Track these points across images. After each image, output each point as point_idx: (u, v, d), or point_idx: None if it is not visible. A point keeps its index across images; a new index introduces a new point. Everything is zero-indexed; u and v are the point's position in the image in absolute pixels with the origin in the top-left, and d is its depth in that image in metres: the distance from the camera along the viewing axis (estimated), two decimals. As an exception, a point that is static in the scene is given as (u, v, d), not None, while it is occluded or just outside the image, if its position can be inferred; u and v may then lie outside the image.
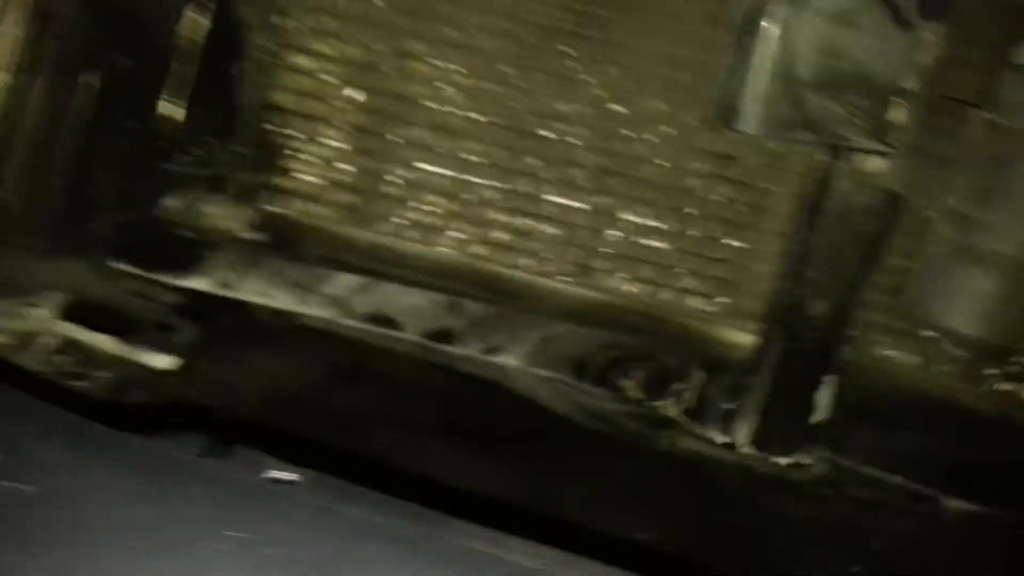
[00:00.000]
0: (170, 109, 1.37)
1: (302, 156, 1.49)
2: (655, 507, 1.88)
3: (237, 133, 1.45)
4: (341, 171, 1.50)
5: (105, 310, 1.64)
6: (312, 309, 1.48)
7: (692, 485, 1.97)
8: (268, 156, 1.48)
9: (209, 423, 1.14)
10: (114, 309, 1.65)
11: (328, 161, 1.49)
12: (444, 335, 1.48)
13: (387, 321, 1.49)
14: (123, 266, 1.50)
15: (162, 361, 1.59)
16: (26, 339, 1.51)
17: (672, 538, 1.80)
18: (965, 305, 1.31)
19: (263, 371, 2.01)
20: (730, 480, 1.98)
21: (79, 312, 1.62)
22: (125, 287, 1.67)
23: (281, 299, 1.48)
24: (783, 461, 1.44)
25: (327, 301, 1.47)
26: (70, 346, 1.54)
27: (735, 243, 1.44)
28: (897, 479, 1.47)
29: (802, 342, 1.39)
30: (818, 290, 1.36)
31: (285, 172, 1.51)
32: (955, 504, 1.51)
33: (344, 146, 1.49)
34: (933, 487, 1.43)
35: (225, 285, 1.48)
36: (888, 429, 1.49)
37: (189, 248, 1.47)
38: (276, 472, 0.87)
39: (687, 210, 1.45)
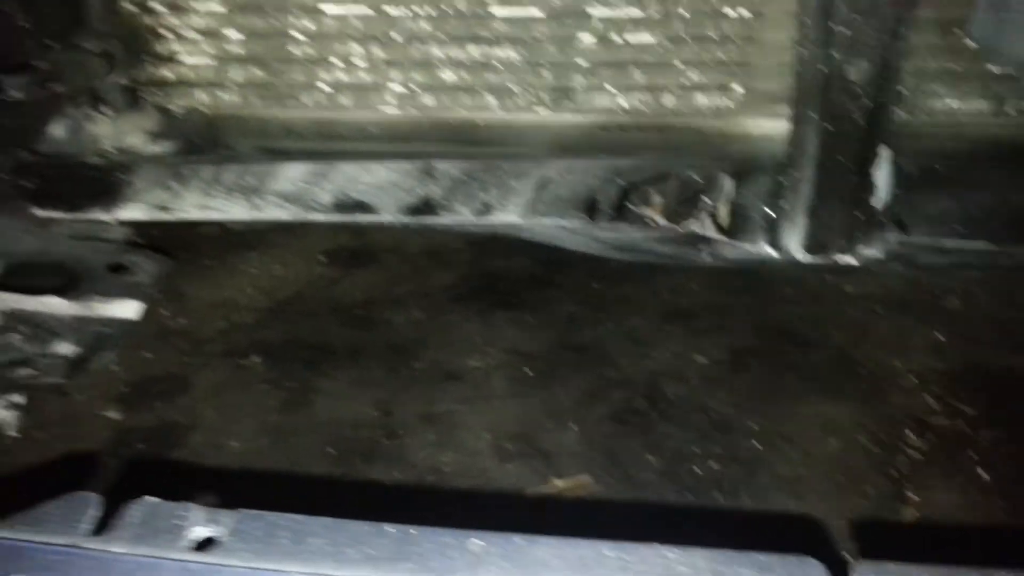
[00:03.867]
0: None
1: (183, 33, 1.20)
2: (703, 322, 1.71)
3: (90, 26, 1.16)
4: (233, 40, 1.20)
5: (46, 267, 1.46)
6: (268, 212, 1.25)
7: (743, 291, 1.78)
8: (140, 44, 1.20)
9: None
10: (55, 263, 1.47)
11: (213, 33, 1.19)
12: (426, 207, 1.25)
13: (358, 206, 1.26)
14: (46, 212, 1.28)
15: (126, 308, 1.41)
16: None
17: (729, 349, 1.65)
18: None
19: (257, 279, 1.84)
20: (785, 277, 1.78)
21: (18, 278, 1.44)
22: (59, 235, 1.48)
23: (228, 209, 1.25)
24: (847, 261, 1.21)
25: (282, 199, 1.24)
26: (17, 321, 1.37)
27: (736, 12, 1.13)
28: (978, 244, 1.24)
29: (845, 116, 1.11)
30: (854, 48, 1.06)
31: (169, 59, 1.22)
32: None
33: (224, 7, 1.18)
34: (1019, 243, 1.20)
35: (162, 207, 1.26)
36: (961, 191, 1.24)
37: (105, 177, 1.24)
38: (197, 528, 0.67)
39: (670, -16, 1.14)
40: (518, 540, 0.68)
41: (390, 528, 0.69)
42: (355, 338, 1.73)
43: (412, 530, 0.69)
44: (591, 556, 0.67)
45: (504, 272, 1.95)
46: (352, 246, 2.03)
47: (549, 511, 1.37)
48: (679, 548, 0.67)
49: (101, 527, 0.69)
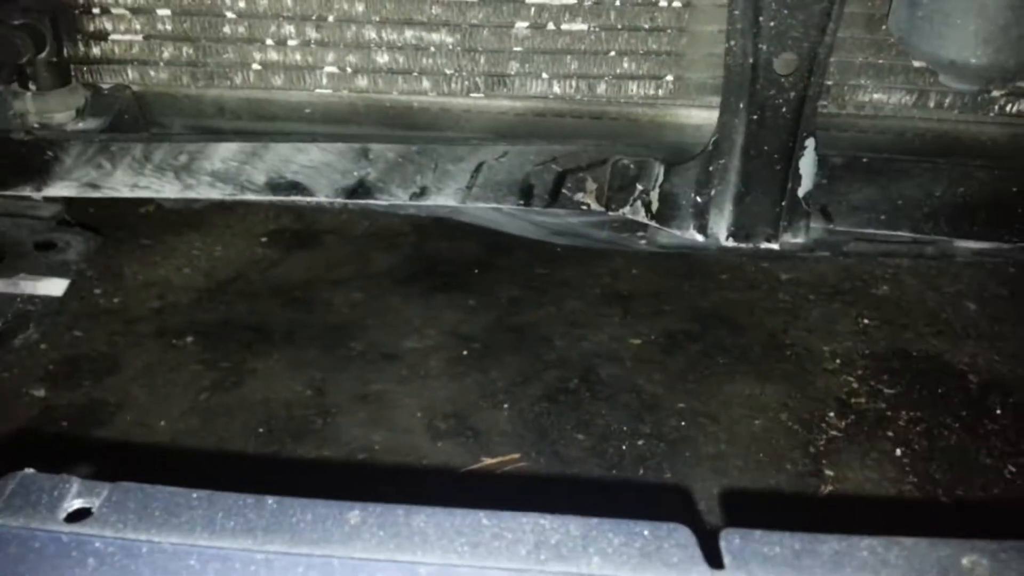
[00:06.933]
0: None
1: (112, 10, 1.17)
2: (641, 306, 1.76)
3: (17, 2, 1.13)
4: (162, 18, 1.18)
5: (-32, 244, 1.43)
6: (200, 191, 1.24)
7: (682, 276, 1.83)
8: (69, 21, 1.17)
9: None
10: (-22, 240, 1.43)
11: (142, 10, 1.17)
12: (361, 189, 1.25)
13: (292, 187, 1.25)
14: (-30, 189, 1.24)
15: (52, 286, 1.39)
16: None
17: (664, 332, 1.70)
18: (962, 28, 1.05)
19: (196, 259, 1.82)
20: (722, 263, 1.84)
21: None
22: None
23: (159, 187, 1.23)
24: (772, 247, 1.25)
25: (214, 178, 1.22)
26: (-65, 300, 1.33)
27: (668, 3, 1.15)
28: (902, 233, 1.29)
29: (772, 107, 1.14)
30: (781, 41, 1.09)
31: (98, 36, 1.20)
32: (964, 246, 1.35)
33: (156, -15, 1.17)
34: (940, 233, 1.26)
35: (91, 185, 1.23)
36: (885, 182, 1.28)
37: (33, 154, 1.20)
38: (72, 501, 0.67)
39: (605, -26, 1.15)
40: (397, 511, 0.69)
41: (271, 500, 0.69)
42: (293, 319, 1.74)
43: (293, 502, 0.70)
44: (468, 525, 0.68)
45: (447, 255, 1.96)
46: (294, 228, 2.03)
47: (478, 487, 1.40)
48: (553, 516, 0.69)
49: None
